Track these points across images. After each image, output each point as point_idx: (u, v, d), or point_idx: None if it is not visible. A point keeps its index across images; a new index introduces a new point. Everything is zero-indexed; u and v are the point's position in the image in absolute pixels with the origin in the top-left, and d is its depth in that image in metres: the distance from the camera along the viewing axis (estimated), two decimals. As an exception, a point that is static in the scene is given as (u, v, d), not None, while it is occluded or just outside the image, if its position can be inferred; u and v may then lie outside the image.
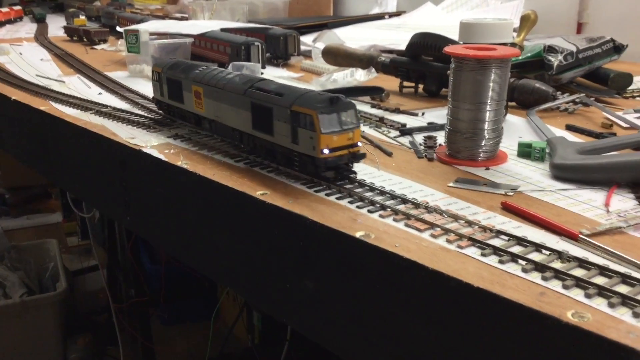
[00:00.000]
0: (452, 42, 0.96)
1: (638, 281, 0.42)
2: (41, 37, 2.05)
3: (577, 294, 0.41)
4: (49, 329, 2.19)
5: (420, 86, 1.08)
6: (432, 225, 0.52)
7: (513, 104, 0.95)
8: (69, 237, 3.15)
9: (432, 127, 0.84)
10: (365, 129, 0.85)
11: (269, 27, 1.51)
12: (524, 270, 0.44)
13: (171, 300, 2.30)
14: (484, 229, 0.51)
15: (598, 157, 0.66)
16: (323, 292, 0.55)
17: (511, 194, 0.60)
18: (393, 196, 0.58)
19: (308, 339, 0.59)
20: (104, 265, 2.36)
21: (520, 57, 1.01)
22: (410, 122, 0.88)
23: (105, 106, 0.98)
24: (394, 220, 0.54)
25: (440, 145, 0.75)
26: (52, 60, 1.56)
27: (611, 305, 0.40)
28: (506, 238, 0.49)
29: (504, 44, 0.75)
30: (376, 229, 0.52)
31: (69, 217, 3.18)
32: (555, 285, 0.43)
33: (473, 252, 0.48)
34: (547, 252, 0.47)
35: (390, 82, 1.10)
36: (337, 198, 0.59)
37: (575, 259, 0.46)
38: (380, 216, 0.54)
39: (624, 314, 0.39)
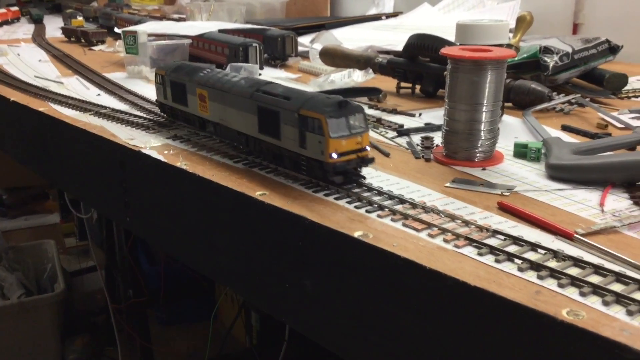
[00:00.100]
0: (449, 43, 0.96)
1: (632, 280, 0.43)
2: (39, 38, 2.05)
3: (572, 292, 0.42)
4: (47, 330, 2.19)
5: (417, 87, 1.08)
6: (429, 225, 0.53)
7: (509, 104, 0.96)
8: (66, 238, 3.15)
9: (429, 127, 0.85)
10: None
11: (267, 28, 1.52)
12: (520, 269, 0.45)
13: (169, 300, 2.30)
14: (481, 228, 0.52)
15: (593, 157, 0.66)
16: (322, 292, 0.55)
17: (507, 194, 0.60)
18: (391, 196, 0.59)
19: (306, 340, 0.60)
20: (102, 266, 2.36)
21: (516, 58, 1.02)
22: (408, 122, 0.89)
23: (104, 107, 0.98)
24: (392, 220, 0.54)
25: (437, 145, 0.76)
26: (50, 62, 1.56)
27: (605, 304, 0.41)
28: (502, 237, 0.50)
29: (500, 45, 0.75)
30: (374, 228, 0.52)
31: (66, 218, 3.18)
32: (551, 283, 0.43)
33: (470, 251, 0.48)
34: (543, 252, 0.48)
35: (388, 83, 1.11)
36: (335, 198, 0.59)
37: (570, 258, 0.46)
38: (378, 216, 0.55)
39: (618, 311, 0.40)
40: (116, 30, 1.86)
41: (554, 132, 0.81)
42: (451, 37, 0.86)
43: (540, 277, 0.44)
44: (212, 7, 1.93)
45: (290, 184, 0.63)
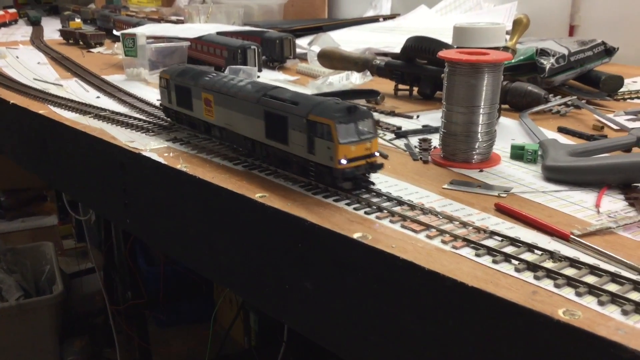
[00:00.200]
0: (446, 45, 0.97)
1: (627, 280, 0.44)
2: (37, 40, 2.05)
3: (568, 292, 0.43)
4: (46, 332, 2.19)
5: (415, 89, 1.09)
6: (427, 227, 0.53)
7: (506, 106, 0.97)
8: (64, 240, 3.15)
9: (427, 129, 0.86)
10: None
11: (265, 31, 1.53)
12: (517, 270, 0.46)
13: (168, 302, 2.31)
14: (478, 230, 0.52)
15: (589, 159, 0.67)
16: (321, 293, 0.56)
17: (504, 195, 0.61)
18: (389, 198, 0.59)
19: (304, 341, 0.60)
20: (101, 268, 2.36)
21: (512, 61, 1.03)
22: (405, 124, 0.89)
23: (104, 110, 0.99)
24: (391, 221, 0.55)
25: (435, 147, 0.77)
26: (49, 64, 1.56)
27: (601, 303, 0.41)
28: (499, 239, 0.51)
29: (497, 48, 0.76)
30: (373, 230, 0.53)
31: (64, 220, 3.18)
32: (547, 284, 0.44)
33: (467, 252, 0.49)
34: (539, 252, 0.48)
35: (386, 85, 1.12)
36: (334, 200, 0.60)
37: (567, 258, 0.47)
38: (377, 218, 0.56)
39: (613, 311, 0.40)
40: (115, 32, 1.87)
41: (551, 134, 0.81)
42: (448, 39, 0.87)
43: (537, 278, 0.44)
44: (210, 9, 1.94)
45: (289, 186, 0.64)
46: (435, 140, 0.77)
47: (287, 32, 1.51)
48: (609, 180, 0.63)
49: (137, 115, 0.95)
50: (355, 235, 0.52)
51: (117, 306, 2.17)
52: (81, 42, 1.91)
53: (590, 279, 0.44)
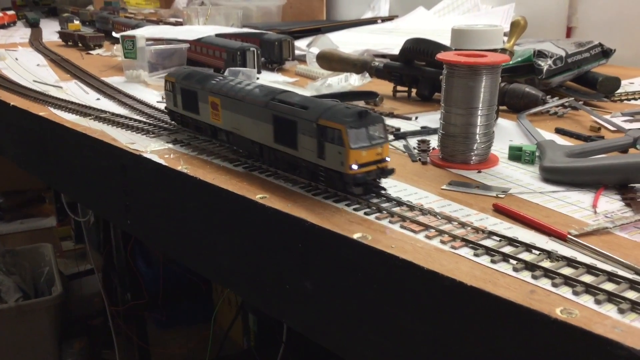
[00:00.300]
0: (444, 47, 0.98)
1: (623, 279, 0.44)
2: (36, 42, 2.06)
3: (566, 291, 0.43)
4: (45, 333, 2.19)
5: (414, 91, 1.10)
6: (426, 227, 0.54)
7: (504, 108, 0.97)
8: (63, 242, 3.15)
9: (426, 131, 0.86)
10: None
11: (264, 32, 1.53)
12: (515, 270, 0.46)
13: (167, 303, 2.31)
14: (477, 230, 0.53)
15: (586, 159, 0.68)
16: (322, 293, 0.56)
17: (502, 196, 0.62)
18: (388, 199, 0.60)
19: (303, 341, 0.61)
20: (100, 269, 2.36)
21: (510, 62, 1.03)
22: (404, 126, 0.90)
23: (104, 112, 0.99)
24: (390, 222, 0.56)
25: (433, 148, 0.77)
26: (49, 66, 1.57)
27: (598, 302, 0.42)
28: (498, 239, 0.51)
29: (495, 50, 0.77)
30: (373, 230, 0.54)
31: (63, 222, 3.18)
32: (545, 283, 0.44)
33: (466, 252, 0.49)
34: (537, 252, 0.49)
35: (384, 87, 1.12)
36: (334, 201, 0.60)
37: (564, 258, 0.47)
38: (377, 218, 0.56)
39: (609, 310, 0.41)
40: (114, 34, 1.87)
41: (548, 135, 0.82)
42: (446, 40, 0.88)
43: (534, 277, 0.45)
44: (209, 11, 1.94)
45: (290, 187, 0.64)
46: (434, 141, 0.78)
47: (286, 34, 1.52)
48: (606, 181, 0.63)
49: (138, 117, 0.96)
50: (355, 236, 0.52)
51: (117, 307, 2.17)
52: (80, 44, 1.92)
53: (587, 278, 0.45)
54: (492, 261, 0.48)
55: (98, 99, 1.14)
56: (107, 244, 2.25)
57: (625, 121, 0.90)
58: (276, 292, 0.63)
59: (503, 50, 0.91)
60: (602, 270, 0.46)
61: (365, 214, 0.57)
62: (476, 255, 0.49)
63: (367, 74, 1.16)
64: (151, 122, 0.92)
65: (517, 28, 1.02)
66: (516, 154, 0.74)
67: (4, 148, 1.28)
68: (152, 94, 1.16)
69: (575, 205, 0.59)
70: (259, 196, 0.62)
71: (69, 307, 2.43)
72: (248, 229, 0.64)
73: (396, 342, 0.50)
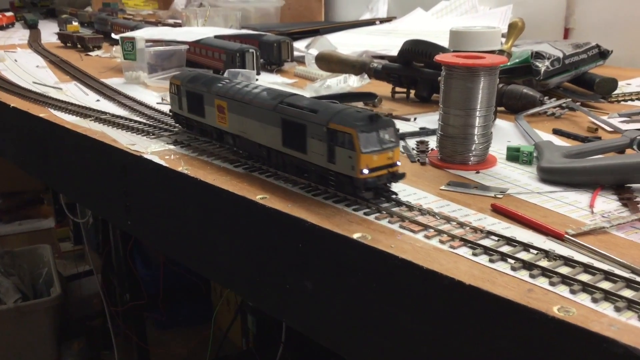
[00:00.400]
0: (442, 49, 0.98)
1: (619, 278, 0.45)
2: (35, 44, 2.06)
3: (563, 290, 0.44)
4: (44, 334, 2.20)
5: (412, 92, 1.10)
6: (425, 227, 0.54)
7: (502, 109, 0.98)
8: (61, 243, 3.15)
9: (424, 132, 0.87)
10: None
11: (263, 34, 1.54)
12: (513, 269, 0.47)
13: (166, 304, 2.31)
14: (475, 230, 0.53)
15: (583, 160, 0.68)
16: (322, 292, 0.57)
17: (500, 196, 0.62)
18: (388, 199, 0.60)
19: (302, 341, 0.61)
20: (99, 270, 2.36)
21: (508, 64, 1.04)
22: (403, 127, 0.90)
23: (104, 113, 1.00)
24: (389, 222, 0.56)
25: (432, 149, 0.78)
26: (48, 67, 1.57)
27: (594, 301, 0.42)
28: (496, 238, 0.52)
29: (493, 51, 0.78)
30: (372, 230, 0.54)
31: (61, 223, 3.18)
32: (542, 282, 0.45)
33: (465, 252, 0.50)
34: (535, 252, 0.49)
35: (383, 88, 1.13)
36: (334, 201, 0.61)
37: (561, 257, 0.48)
38: (376, 218, 0.57)
39: (606, 308, 0.42)
40: (113, 36, 1.87)
41: (546, 136, 0.83)
42: (444, 42, 0.88)
43: (532, 276, 0.46)
44: (207, 12, 1.95)
45: (289, 188, 0.65)
46: (433, 142, 0.79)
47: (285, 35, 1.52)
48: (603, 181, 0.64)
49: (138, 119, 0.96)
50: (355, 236, 0.53)
51: (116, 308, 2.17)
52: (79, 46, 1.92)
53: (584, 277, 0.45)
54: (491, 260, 0.48)
55: (98, 100, 1.14)
56: (106, 245, 2.25)
57: (622, 122, 0.91)
58: (277, 292, 0.63)
59: (501, 52, 0.92)
60: (599, 269, 0.46)
61: (365, 214, 0.58)
62: (475, 254, 0.49)
63: (365, 75, 1.17)
64: (151, 123, 0.93)
65: (514, 29, 1.03)
66: (514, 155, 0.74)
67: (4, 149, 1.28)
68: (152, 95, 1.16)
69: (573, 206, 0.60)
70: (259, 197, 0.62)
71: (67, 308, 2.43)
72: (248, 229, 0.64)
73: (396, 341, 0.51)
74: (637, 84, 1.22)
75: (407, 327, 0.49)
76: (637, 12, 1.45)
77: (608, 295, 0.43)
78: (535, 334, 0.41)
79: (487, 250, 0.50)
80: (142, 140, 0.85)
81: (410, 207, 0.58)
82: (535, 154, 0.73)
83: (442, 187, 0.65)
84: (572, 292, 0.44)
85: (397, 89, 1.12)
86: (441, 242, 0.52)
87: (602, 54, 1.12)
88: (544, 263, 0.47)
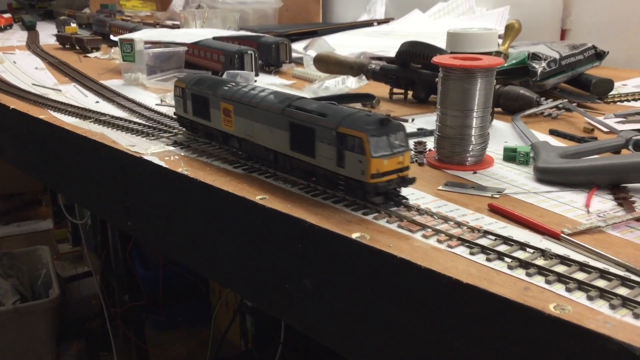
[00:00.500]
0: (440, 50, 0.99)
1: (615, 276, 0.45)
2: (33, 45, 2.06)
3: (559, 288, 0.45)
4: (42, 336, 2.20)
5: (410, 93, 1.11)
6: (423, 227, 0.55)
7: (499, 109, 0.99)
8: (60, 244, 3.15)
9: (422, 132, 0.88)
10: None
11: (261, 35, 1.54)
12: (510, 267, 0.48)
13: (165, 305, 2.32)
14: (472, 229, 0.54)
15: (579, 160, 0.69)
16: (321, 291, 0.57)
17: (497, 196, 0.63)
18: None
19: (300, 342, 0.62)
20: (97, 271, 2.37)
21: (505, 65, 1.05)
22: (401, 128, 0.91)
23: (104, 114, 1.00)
24: (388, 222, 0.57)
25: (429, 150, 0.78)
26: (47, 69, 1.57)
27: (590, 299, 0.43)
28: (493, 238, 0.53)
29: (490, 53, 0.78)
30: (371, 230, 0.55)
31: (60, 224, 3.18)
32: (539, 280, 0.46)
33: (462, 251, 0.51)
34: (531, 250, 0.50)
35: (381, 89, 1.14)
36: (333, 202, 0.61)
37: (557, 256, 0.49)
38: (375, 218, 0.57)
39: (601, 306, 0.42)
40: (112, 37, 1.88)
41: (542, 137, 0.83)
42: (442, 43, 0.89)
43: (528, 275, 0.46)
44: (205, 14, 1.95)
45: (289, 188, 0.66)
46: (430, 143, 0.79)
47: (283, 37, 1.53)
48: (599, 181, 0.65)
49: (137, 120, 0.97)
50: (354, 236, 0.53)
51: (114, 308, 2.18)
52: (78, 47, 1.92)
53: (580, 276, 0.46)
54: (488, 259, 0.49)
55: (97, 101, 1.15)
56: (104, 246, 2.25)
57: (618, 122, 0.92)
58: (276, 292, 0.64)
59: (498, 53, 0.93)
60: (594, 267, 0.47)
61: (364, 214, 0.58)
62: (472, 253, 0.50)
63: (363, 77, 1.17)
64: (151, 124, 0.93)
65: (511, 31, 1.04)
66: (511, 155, 0.75)
67: (5, 151, 1.28)
68: (151, 97, 1.17)
69: (569, 205, 0.60)
70: (258, 197, 0.63)
71: (66, 309, 2.44)
72: (248, 229, 0.65)
73: (394, 339, 0.51)
74: (633, 85, 1.23)
75: (406, 325, 0.50)
76: (633, 14, 1.46)
77: (603, 293, 0.43)
78: (532, 331, 0.42)
79: (484, 250, 0.50)
80: (142, 142, 0.85)
81: (408, 207, 0.59)
82: (531, 155, 0.74)
83: (440, 188, 0.66)
84: (568, 290, 0.44)
85: (395, 90, 1.13)
86: (439, 241, 0.52)
87: (599, 55, 1.13)
88: (540, 262, 0.48)
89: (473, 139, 0.71)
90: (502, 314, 0.43)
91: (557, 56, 1.07)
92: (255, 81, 1.25)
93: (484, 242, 0.52)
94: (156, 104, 1.08)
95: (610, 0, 1.50)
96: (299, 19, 2.34)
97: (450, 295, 0.46)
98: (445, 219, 0.56)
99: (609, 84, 1.10)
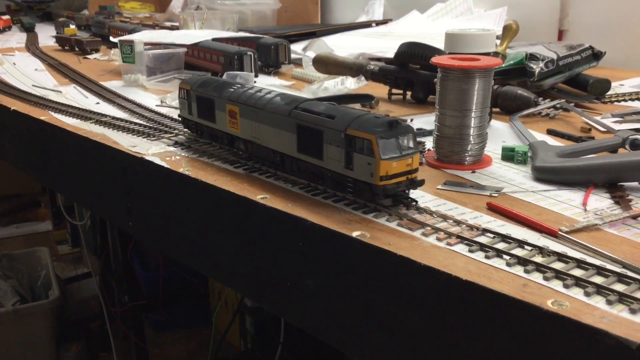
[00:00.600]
0: (438, 51, 1.00)
1: (611, 272, 0.46)
2: (32, 47, 2.06)
3: (557, 284, 0.45)
4: (42, 337, 2.20)
5: (409, 93, 1.11)
6: (423, 225, 0.56)
7: (497, 110, 0.99)
8: (59, 245, 3.16)
9: (421, 132, 0.88)
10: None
11: (260, 37, 1.55)
12: (508, 265, 0.48)
13: (165, 305, 2.32)
14: (471, 227, 0.55)
15: (577, 159, 0.70)
16: (322, 290, 0.58)
17: (496, 195, 0.63)
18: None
19: (300, 342, 0.62)
20: (97, 273, 2.37)
21: (503, 65, 1.05)
22: (400, 128, 0.91)
23: (105, 115, 1.01)
24: (388, 220, 0.57)
25: (428, 150, 0.79)
26: (47, 70, 1.58)
27: (587, 294, 0.44)
28: (491, 235, 0.53)
29: (488, 54, 0.79)
30: (371, 229, 0.55)
31: (59, 225, 3.19)
32: (537, 277, 0.46)
33: (461, 248, 0.51)
34: (529, 248, 0.51)
35: (380, 90, 1.14)
36: (333, 201, 0.62)
37: (555, 253, 0.49)
38: (375, 217, 0.58)
39: (598, 301, 0.43)
40: (111, 39, 1.88)
41: (540, 136, 0.84)
42: (440, 43, 0.89)
43: (527, 271, 0.47)
44: (204, 15, 1.96)
45: (289, 188, 0.66)
46: (429, 143, 0.80)
47: (282, 38, 1.54)
48: (596, 180, 0.65)
49: (138, 121, 0.97)
50: (354, 234, 0.54)
51: (114, 308, 2.18)
52: (77, 49, 1.93)
53: (577, 272, 0.47)
54: (486, 257, 0.49)
55: (98, 103, 1.15)
56: (104, 247, 2.26)
57: (615, 122, 0.93)
58: (278, 290, 0.64)
59: (496, 54, 0.94)
60: (591, 264, 0.47)
61: (364, 212, 0.59)
62: (471, 251, 0.51)
63: (362, 77, 1.18)
64: (151, 125, 0.94)
65: (509, 31, 1.04)
66: (509, 155, 0.75)
67: (5, 152, 1.29)
68: (151, 98, 1.18)
69: (566, 204, 0.61)
70: (259, 197, 0.64)
71: (66, 310, 2.44)
72: (249, 229, 0.66)
73: (394, 336, 0.52)
74: (630, 84, 1.24)
75: (406, 322, 0.51)
76: (630, 14, 1.47)
77: (600, 289, 0.44)
78: (530, 327, 0.42)
79: (483, 247, 0.51)
80: (143, 142, 0.86)
81: (408, 206, 0.60)
82: (529, 154, 0.74)
83: (439, 187, 0.66)
84: (566, 286, 0.45)
85: (394, 90, 1.14)
86: (438, 239, 0.53)
87: (596, 56, 1.13)
88: (538, 259, 0.49)
89: (471, 138, 0.72)
90: (501, 310, 0.44)
91: (555, 56, 1.07)
92: (255, 82, 1.25)
93: (482, 239, 0.52)
94: (156, 105, 1.09)
95: (607, 1, 1.51)
96: (297, 20, 2.34)
97: (449, 292, 0.47)
98: (445, 218, 0.57)
99: (606, 84, 1.11)
